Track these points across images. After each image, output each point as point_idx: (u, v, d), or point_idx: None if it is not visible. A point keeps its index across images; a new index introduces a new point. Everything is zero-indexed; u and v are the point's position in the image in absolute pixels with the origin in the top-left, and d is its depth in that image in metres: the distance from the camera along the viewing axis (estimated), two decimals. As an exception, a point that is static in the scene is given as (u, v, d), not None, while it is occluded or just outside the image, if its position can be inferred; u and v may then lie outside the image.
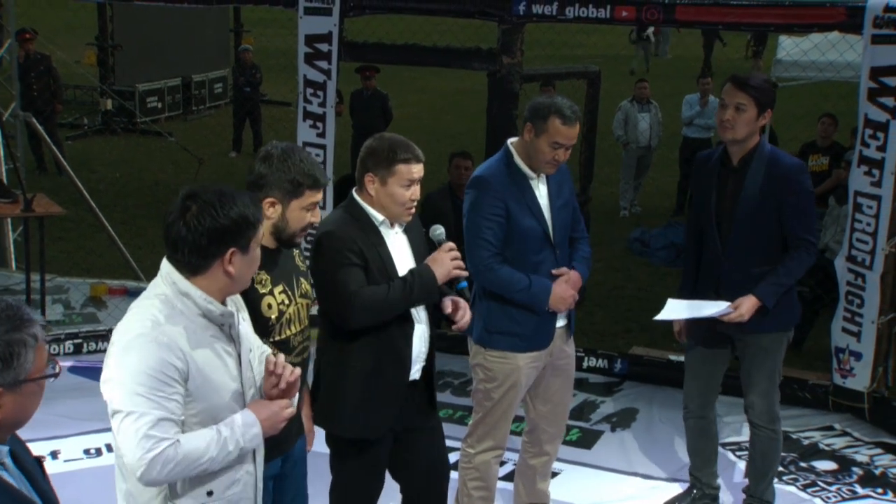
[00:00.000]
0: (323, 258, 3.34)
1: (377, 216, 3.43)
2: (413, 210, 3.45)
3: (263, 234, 3.04)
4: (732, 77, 4.18)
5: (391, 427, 3.50)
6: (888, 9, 5.24)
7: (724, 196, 4.19)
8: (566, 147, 3.86)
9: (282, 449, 3.19)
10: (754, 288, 4.09)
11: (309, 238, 3.85)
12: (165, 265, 2.56)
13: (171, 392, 2.43)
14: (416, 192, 3.40)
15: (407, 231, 3.53)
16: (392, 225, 3.47)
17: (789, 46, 9.40)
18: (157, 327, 2.45)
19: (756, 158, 4.14)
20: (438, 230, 3.50)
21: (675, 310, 4.25)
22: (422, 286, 3.34)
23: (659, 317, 4.24)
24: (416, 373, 3.51)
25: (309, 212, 3.08)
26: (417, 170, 3.39)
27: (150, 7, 8.81)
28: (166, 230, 2.51)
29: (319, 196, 3.10)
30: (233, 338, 2.61)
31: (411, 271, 3.38)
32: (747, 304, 4.07)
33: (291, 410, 2.65)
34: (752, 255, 4.14)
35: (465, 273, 3.48)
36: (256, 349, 2.75)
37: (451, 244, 3.44)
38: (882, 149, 5.36)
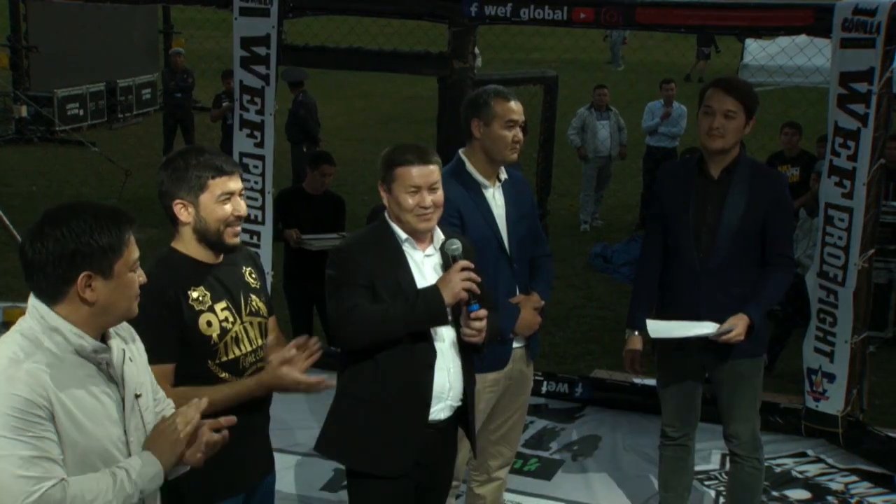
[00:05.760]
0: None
1: (400, 233, 3.38)
2: (428, 217, 3.34)
3: (194, 246, 3.06)
4: (719, 82, 4.14)
5: (418, 462, 3.40)
6: (857, 11, 5.31)
7: (703, 210, 4.15)
8: (519, 124, 4.01)
9: (245, 481, 3.16)
10: (744, 307, 4.07)
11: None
12: (32, 298, 2.47)
13: (41, 430, 2.33)
14: (427, 198, 3.30)
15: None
16: (420, 245, 3.40)
17: (756, 50, 9.61)
18: (16, 365, 2.37)
19: (739, 170, 4.13)
20: (454, 245, 3.37)
21: (661, 330, 4.20)
22: (426, 309, 3.24)
23: (653, 335, 4.22)
24: (441, 411, 3.40)
25: (225, 203, 3.04)
26: (419, 173, 3.31)
27: (69, 6, 8.68)
28: (20, 253, 2.44)
29: (231, 184, 3.05)
30: (112, 378, 2.54)
31: (417, 292, 3.29)
32: (742, 325, 4.04)
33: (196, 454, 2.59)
34: (734, 273, 4.13)
35: (477, 292, 3.30)
36: (150, 394, 2.68)
37: (464, 262, 3.31)
38: (853, 158, 5.43)
